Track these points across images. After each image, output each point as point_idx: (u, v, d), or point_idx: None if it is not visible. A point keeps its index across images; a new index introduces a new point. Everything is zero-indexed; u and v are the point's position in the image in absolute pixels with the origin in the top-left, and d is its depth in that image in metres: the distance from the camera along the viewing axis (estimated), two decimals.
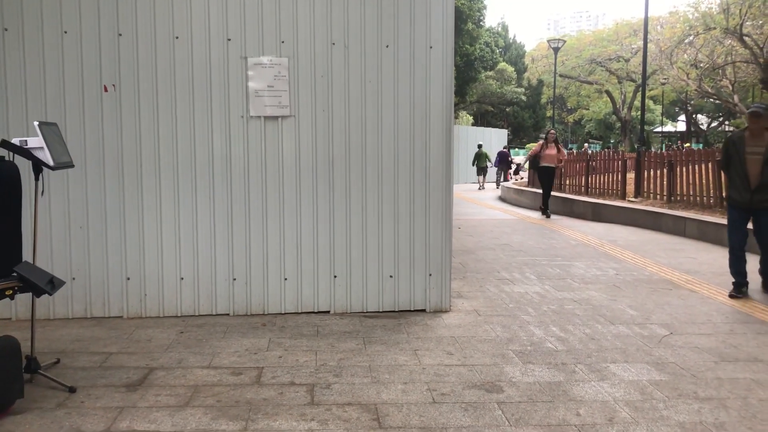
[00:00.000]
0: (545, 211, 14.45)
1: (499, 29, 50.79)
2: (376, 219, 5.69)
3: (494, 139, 34.60)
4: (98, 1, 5.28)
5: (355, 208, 5.65)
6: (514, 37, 54.53)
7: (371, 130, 5.63)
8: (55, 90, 5.29)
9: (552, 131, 15.08)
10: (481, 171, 27.48)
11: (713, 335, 5.20)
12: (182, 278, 5.55)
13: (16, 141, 3.93)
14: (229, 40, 5.43)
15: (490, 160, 27.77)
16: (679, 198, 13.10)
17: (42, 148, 3.94)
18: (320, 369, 4.32)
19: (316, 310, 5.72)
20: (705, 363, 4.52)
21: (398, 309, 5.78)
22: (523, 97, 50.15)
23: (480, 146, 28.32)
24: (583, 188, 16.99)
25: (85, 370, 4.26)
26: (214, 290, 5.59)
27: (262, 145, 5.52)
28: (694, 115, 51.41)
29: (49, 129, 4.08)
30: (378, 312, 5.75)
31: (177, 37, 5.37)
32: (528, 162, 15.64)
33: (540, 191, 15.47)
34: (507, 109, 53.03)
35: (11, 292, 3.60)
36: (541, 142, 14.91)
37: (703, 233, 10.60)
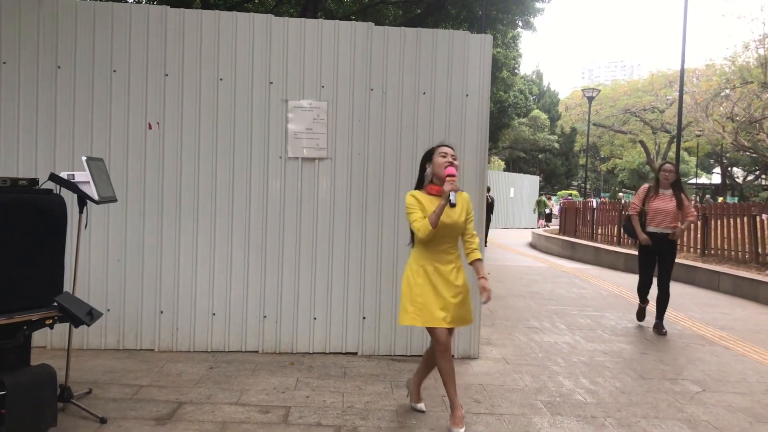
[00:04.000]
0: (642, 309, 7.78)
1: (534, 77, 51.07)
2: (407, 262, 5.70)
3: (526, 186, 34.56)
4: (147, 43, 5.48)
5: (386, 251, 5.70)
6: (548, 84, 54.88)
7: (405, 175, 5.70)
8: (102, 126, 5.48)
9: (669, 165, 7.49)
10: (541, 215, 32.44)
11: (748, 394, 5.08)
12: (214, 314, 5.62)
13: (63, 175, 4.08)
14: (271, 83, 5.58)
15: (547, 206, 32.35)
16: (712, 252, 12.92)
17: (88, 182, 4.08)
18: (347, 411, 4.32)
19: (343, 351, 5.73)
20: (739, 423, 4.42)
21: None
22: (556, 145, 50.14)
23: (541, 195, 35.51)
24: (615, 238, 16.84)
25: (116, 401, 4.31)
26: (244, 327, 5.65)
27: (298, 186, 5.63)
28: (729, 168, 50.80)
29: (95, 164, 4.23)
30: (405, 356, 5.74)
31: (221, 79, 5.54)
32: (627, 223, 7.70)
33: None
34: (539, 156, 53.03)
35: (51, 321, 3.69)
36: (646, 186, 7.59)
37: (737, 288, 10.42)
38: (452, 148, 4.08)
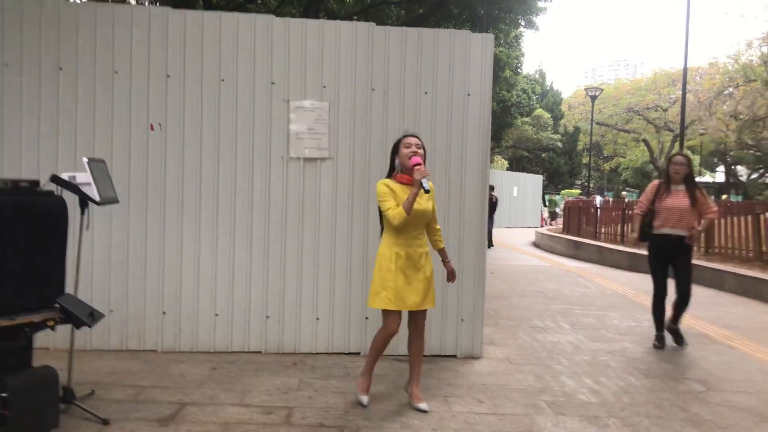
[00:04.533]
0: (660, 339, 6.56)
1: (537, 76, 51.03)
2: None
3: (529, 185, 34.52)
4: (149, 44, 5.48)
5: None
6: (551, 84, 54.73)
7: None
8: (104, 127, 5.48)
9: (680, 157, 6.51)
10: (552, 215, 34.25)
11: (752, 394, 5.06)
12: (217, 314, 5.62)
13: (65, 176, 4.08)
14: (273, 83, 5.58)
15: (558, 206, 33.78)
16: (716, 251, 12.88)
17: (89, 183, 4.08)
18: (350, 412, 4.32)
19: (346, 352, 5.73)
20: (743, 422, 4.41)
21: (429, 354, 5.74)
22: (559, 144, 50.04)
23: (553, 194, 38.60)
24: (618, 237, 16.80)
25: (118, 402, 4.32)
26: (247, 327, 5.65)
27: (300, 187, 5.62)
28: (733, 167, 50.67)
29: (96, 165, 4.23)
30: (408, 356, 5.72)
31: (223, 80, 5.54)
32: (638, 225, 6.59)
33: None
34: (543, 155, 52.94)
35: (53, 323, 3.69)
36: (655, 183, 6.67)
37: (742, 287, 10.39)
38: (417, 137, 4.37)
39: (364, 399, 4.46)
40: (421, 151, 4.28)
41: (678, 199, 6.34)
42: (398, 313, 4.34)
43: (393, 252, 4.28)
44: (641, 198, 6.71)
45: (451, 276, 4.61)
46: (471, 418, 4.29)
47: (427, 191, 4.12)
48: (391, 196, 4.23)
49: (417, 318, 4.45)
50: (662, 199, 6.41)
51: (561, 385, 5.10)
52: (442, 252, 4.59)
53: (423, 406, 4.38)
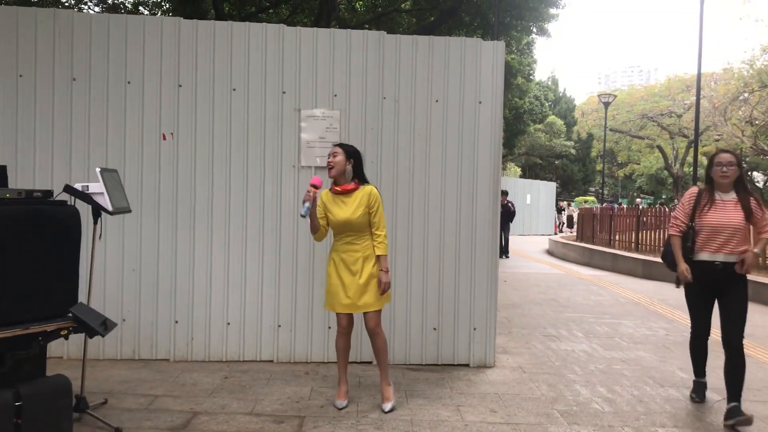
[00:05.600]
0: (700, 387, 5.03)
1: (549, 83, 50.87)
2: (421, 270, 5.70)
3: (542, 192, 34.37)
4: (161, 55, 5.52)
5: (400, 260, 5.68)
6: (564, 90, 54.53)
7: (418, 183, 5.69)
8: (117, 137, 5.52)
9: (727, 155, 4.56)
10: (570, 221, 35.57)
11: None
12: (229, 323, 5.62)
13: (78, 186, 4.11)
14: (284, 92, 5.60)
15: None
16: None
17: (102, 193, 4.11)
18: (361, 421, 4.30)
19: (358, 360, 5.71)
20: None
21: (441, 363, 5.74)
22: (573, 151, 49.83)
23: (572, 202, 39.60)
24: (633, 244, 16.69)
25: (131, 411, 4.33)
26: (259, 336, 5.65)
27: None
28: (749, 173, 50.22)
29: (109, 175, 4.26)
30: (420, 365, 5.71)
31: (234, 89, 5.57)
32: (667, 249, 4.89)
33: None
34: (556, 162, 52.75)
35: (66, 332, 3.71)
36: (694, 191, 4.74)
37: (757, 295, 10.27)
38: (340, 145, 4.51)
39: (338, 403, 4.58)
40: (337, 158, 4.41)
41: (726, 212, 4.54)
42: (345, 314, 4.54)
43: (330, 257, 4.59)
44: (676, 212, 4.84)
45: (378, 284, 4.45)
46: (484, 427, 4.26)
47: (302, 216, 4.19)
48: (323, 209, 4.50)
49: (365, 320, 4.53)
50: (704, 214, 4.61)
51: (575, 395, 5.06)
52: (377, 259, 4.49)
53: (385, 406, 4.52)
